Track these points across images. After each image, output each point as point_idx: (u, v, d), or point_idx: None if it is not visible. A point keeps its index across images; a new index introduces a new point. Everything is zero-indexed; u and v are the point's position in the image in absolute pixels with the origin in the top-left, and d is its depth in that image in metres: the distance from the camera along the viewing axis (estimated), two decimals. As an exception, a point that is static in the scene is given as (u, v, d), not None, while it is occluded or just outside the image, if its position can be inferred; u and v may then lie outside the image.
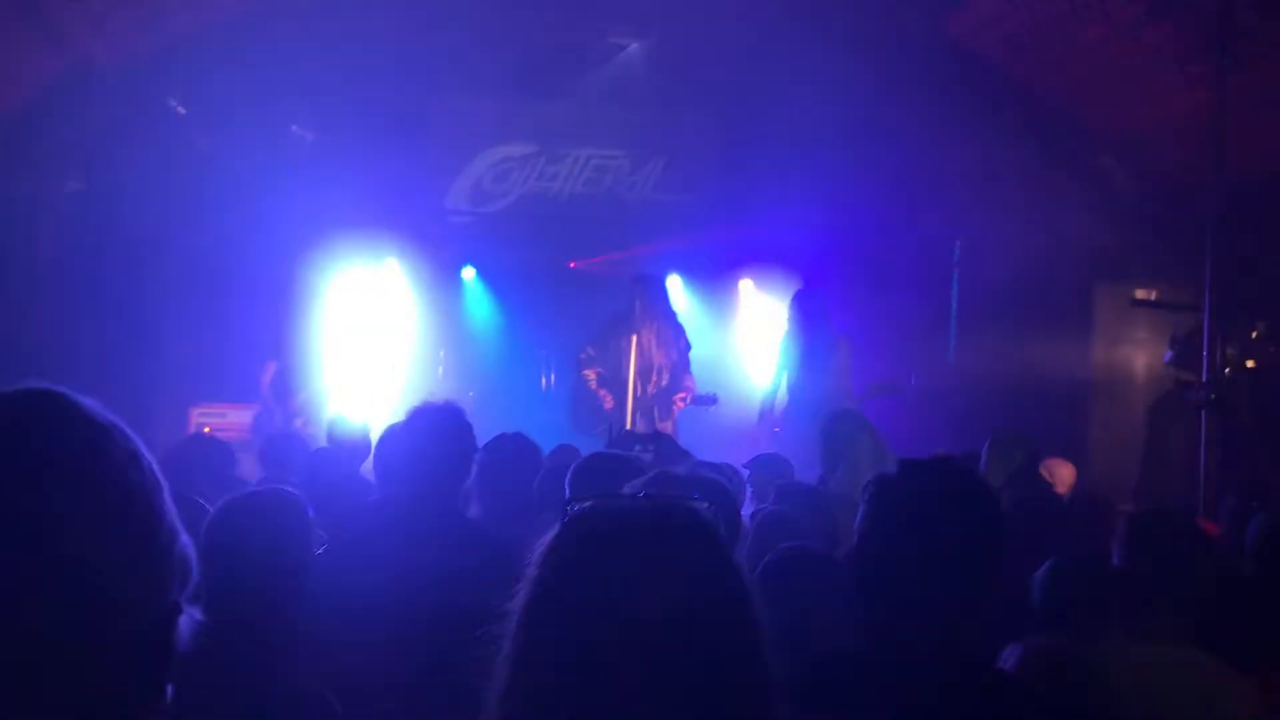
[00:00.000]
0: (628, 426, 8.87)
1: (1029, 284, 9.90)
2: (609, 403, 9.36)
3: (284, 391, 9.85)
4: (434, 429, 3.67)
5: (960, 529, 2.16)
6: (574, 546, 1.41)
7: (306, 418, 9.70)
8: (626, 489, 2.65)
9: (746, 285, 11.42)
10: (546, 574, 1.40)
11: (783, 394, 9.10)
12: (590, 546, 1.40)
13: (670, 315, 9.65)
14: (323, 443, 7.03)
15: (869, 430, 5.60)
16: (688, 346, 9.63)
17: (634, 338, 9.35)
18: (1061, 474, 6.57)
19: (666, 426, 9.33)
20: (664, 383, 9.47)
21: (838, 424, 5.65)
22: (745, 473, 6.02)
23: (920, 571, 2.14)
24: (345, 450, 6.43)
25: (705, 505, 1.45)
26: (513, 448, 4.36)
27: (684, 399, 9.39)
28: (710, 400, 9.45)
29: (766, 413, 9.17)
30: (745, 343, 11.24)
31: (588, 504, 1.45)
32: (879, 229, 10.56)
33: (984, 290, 10.41)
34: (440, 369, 11.04)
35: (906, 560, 2.15)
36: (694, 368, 9.64)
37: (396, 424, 4.09)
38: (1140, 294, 9.40)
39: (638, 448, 5.98)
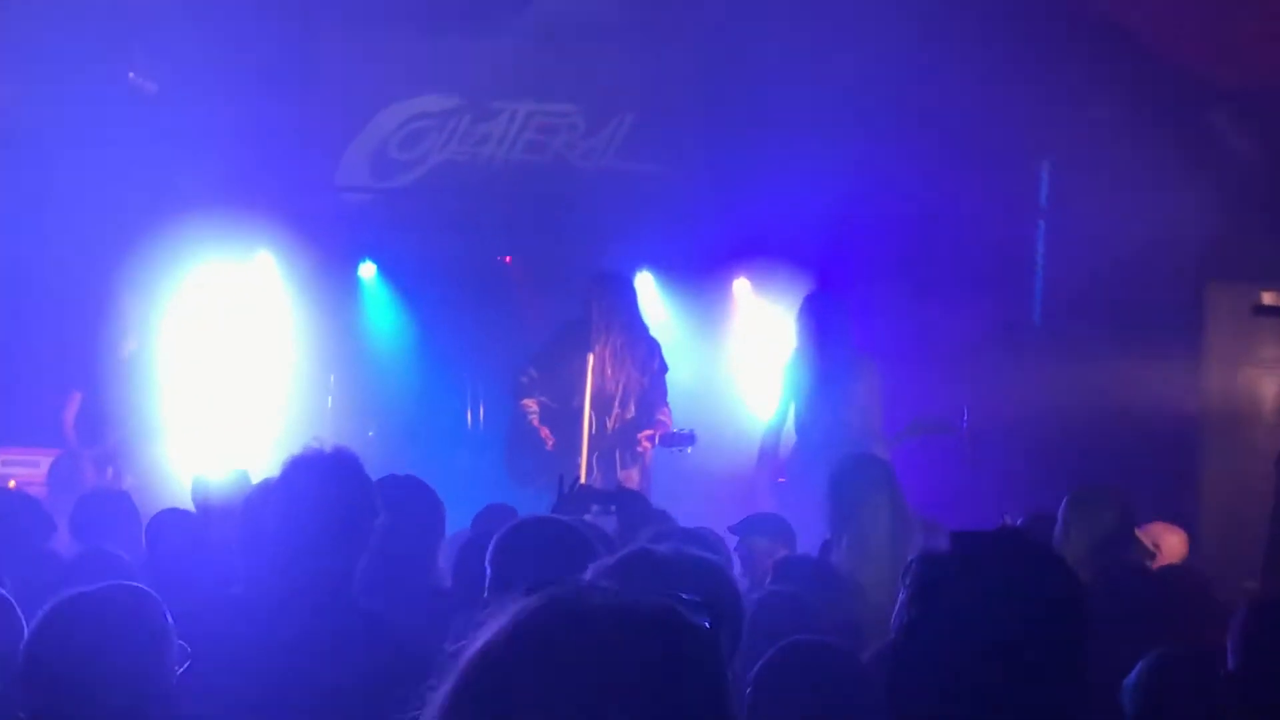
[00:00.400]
0: (581, 478, 8.88)
1: (1119, 287, 9.97)
2: (550, 443, 9.38)
3: (90, 431, 9.83)
4: (319, 488, 3.67)
5: (1032, 626, 2.19)
6: (512, 660, 1.39)
7: (118, 467, 9.69)
8: (591, 569, 2.67)
9: (742, 286, 11.47)
10: (465, 697, 1.39)
11: (789, 432, 9.14)
12: (537, 660, 1.38)
13: (639, 326, 9.69)
14: (150, 502, 7.04)
15: (890, 489, 5.65)
16: (663, 369, 9.67)
17: (590, 356, 9.38)
18: (1169, 543, 6.62)
19: (632, 477, 9.33)
20: (629, 416, 9.50)
21: (850, 475, 5.71)
22: (732, 540, 6.06)
23: (979, 681, 2.16)
24: (214, 519, 6.42)
25: (699, 605, 1.45)
26: (402, 496, 4.34)
27: (651, 438, 9.42)
28: (686, 440, 9.46)
29: (768, 457, 9.21)
30: (739, 364, 11.28)
31: (534, 597, 1.45)
32: (922, 215, 10.61)
33: (1060, 297, 10.48)
34: (329, 400, 11.04)
35: (961, 667, 2.17)
36: (671, 397, 9.66)
37: (267, 482, 4.09)
38: (1268, 299, 9.48)
39: (595, 509, 6.00)
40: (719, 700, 1.41)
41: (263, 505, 4.02)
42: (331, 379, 11.11)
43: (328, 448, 3.87)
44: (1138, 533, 5.78)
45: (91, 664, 2.76)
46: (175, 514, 6.38)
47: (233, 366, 10.94)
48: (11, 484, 9.81)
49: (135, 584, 3.09)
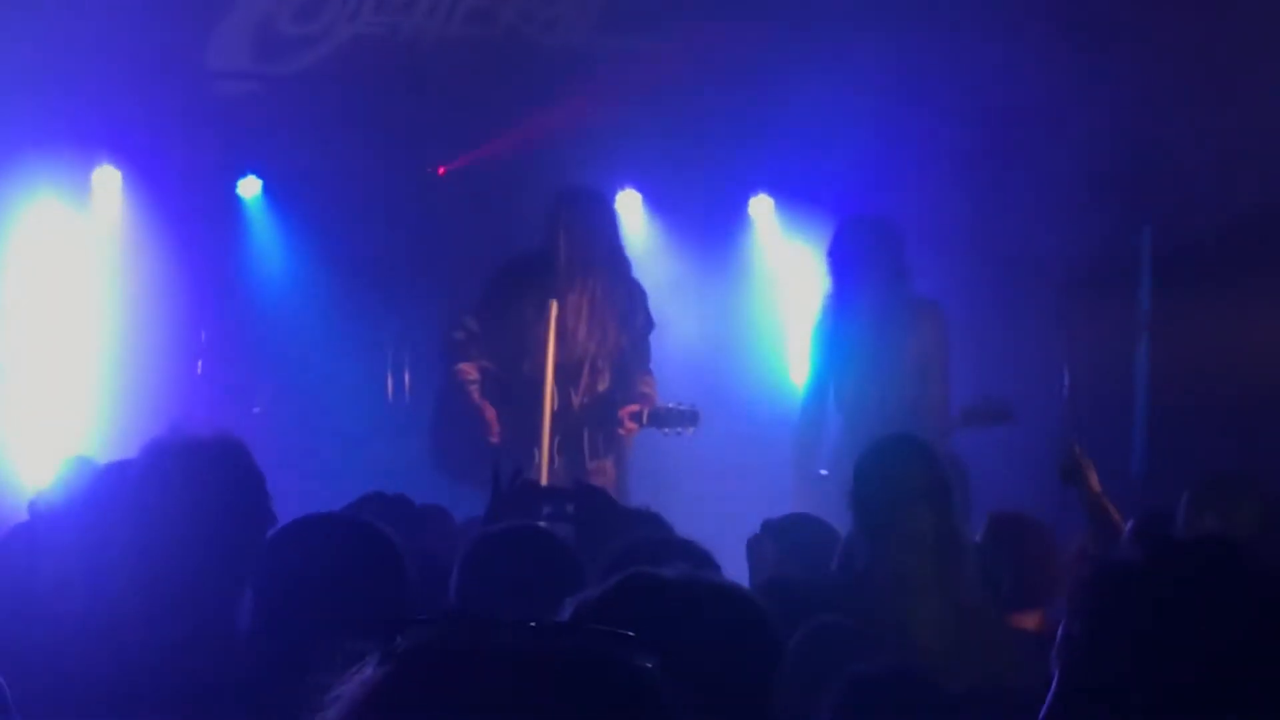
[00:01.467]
0: (541, 471, 8.98)
1: (1250, 225, 10.05)
2: (494, 429, 9.49)
3: None
4: (193, 488, 3.80)
5: (1249, 651, 2.36)
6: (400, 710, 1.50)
7: None
8: (568, 604, 2.76)
9: (761, 208, 11.57)
10: None
11: (830, 407, 9.26)
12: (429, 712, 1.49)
13: (619, 265, 9.80)
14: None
15: (928, 480, 5.59)
16: (647, 325, 9.80)
17: (553, 305, 9.43)
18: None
19: (605, 469, 9.46)
20: (601, 388, 9.63)
21: (875, 464, 5.71)
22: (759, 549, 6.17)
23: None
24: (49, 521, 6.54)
25: (636, 644, 1.55)
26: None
27: (637, 416, 9.50)
28: (686, 419, 9.52)
29: (804, 441, 9.33)
30: (758, 315, 11.42)
31: (423, 636, 1.54)
32: (1004, 112, 10.66)
33: (1179, 239, 10.53)
34: (199, 364, 11.11)
35: (1155, 705, 2.35)
36: (667, 361, 9.76)
37: (120, 466, 4.21)
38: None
39: (547, 511, 6.10)
40: None
41: (110, 507, 4.13)
42: (203, 335, 11.15)
43: (204, 431, 3.99)
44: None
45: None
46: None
47: (67, 324, 11.03)
48: None
49: None
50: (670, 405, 9.58)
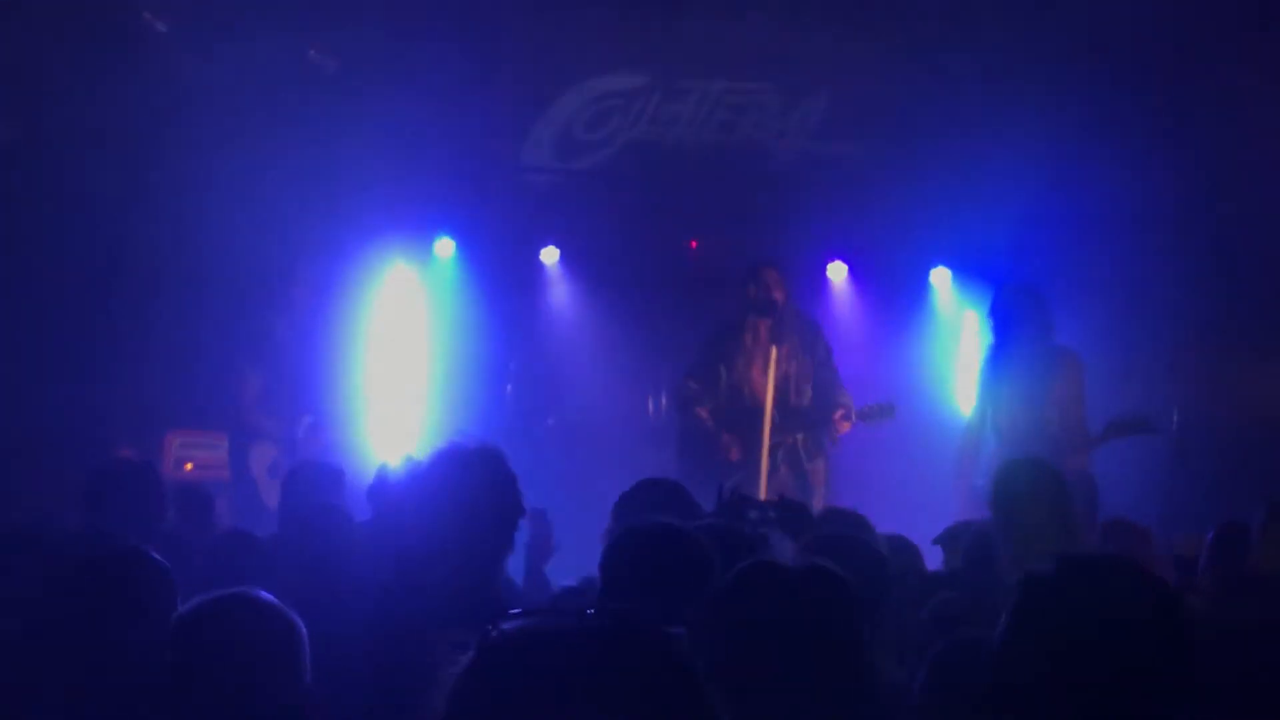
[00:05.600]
0: (762, 479, 8.93)
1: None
2: (734, 451, 9.42)
3: (273, 414, 9.98)
4: (457, 483, 3.79)
5: (1132, 653, 2.23)
6: (481, 692, 1.50)
7: (310, 450, 9.82)
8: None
9: (940, 278, 11.42)
10: None
11: (988, 436, 9.10)
12: (506, 693, 1.48)
13: (802, 313, 9.79)
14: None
15: (1051, 495, 5.47)
16: (829, 350, 9.72)
17: (773, 350, 9.40)
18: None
19: (818, 469, 9.36)
20: (805, 403, 9.54)
21: (1007, 481, 5.57)
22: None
23: (1073, 707, 2.21)
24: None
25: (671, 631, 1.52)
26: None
27: (845, 415, 9.39)
28: (885, 412, 9.43)
29: (966, 460, 9.17)
30: (938, 361, 11.24)
31: (501, 629, 1.54)
32: (1131, 214, 10.38)
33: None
34: (509, 386, 11.24)
35: (1054, 695, 2.22)
36: (857, 398, 9.69)
37: (411, 469, 4.21)
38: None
39: (754, 516, 6.02)
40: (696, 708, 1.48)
41: (406, 492, 4.13)
42: (511, 365, 11.29)
43: (472, 440, 3.99)
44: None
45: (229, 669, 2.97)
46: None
47: (414, 357, 11.25)
48: (188, 466, 10.24)
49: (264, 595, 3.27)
50: (870, 404, 9.50)
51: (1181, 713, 2.24)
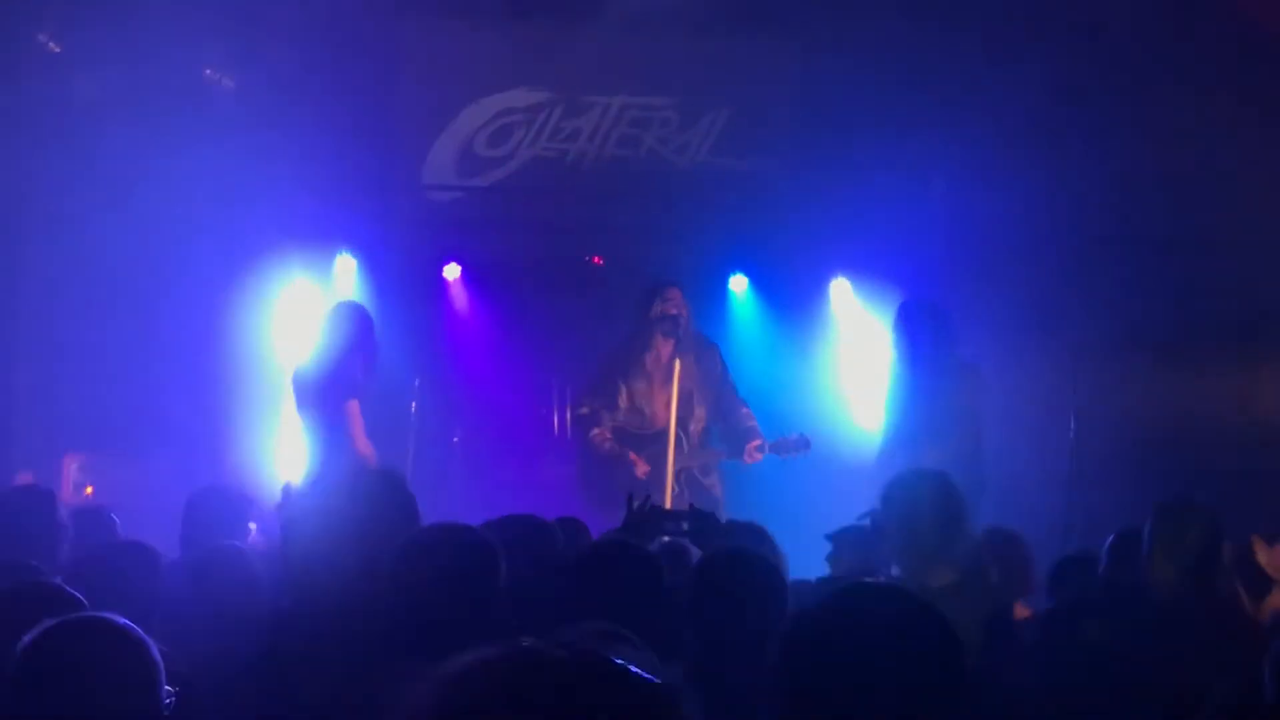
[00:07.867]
0: (667, 497, 8.94)
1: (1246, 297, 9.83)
2: (642, 468, 9.45)
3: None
4: (356, 499, 3.81)
5: (904, 681, 2.25)
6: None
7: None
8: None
9: (840, 289, 11.48)
10: None
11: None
12: None
13: (701, 335, 9.88)
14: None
15: (939, 506, 5.47)
16: (726, 368, 9.78)
17: (676, 365, 9.43)
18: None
19: (713, 485, 9.45)
20: (703, 425, 9.64)
21: (897, 493, 5.60)
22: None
23: None
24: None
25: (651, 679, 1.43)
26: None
27: (760, 448, 9.42)
28: (802, 445, 9.48)
29: (881, 465, 9.23)
30: (839, 373, 11.31)
31: (467, 661, 1.43)
32: (1039, 216, 10.48)
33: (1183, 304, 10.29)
34: (413, 404, 11.17)
35: None
36: (758, 406, 9.74)
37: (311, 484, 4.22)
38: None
39: (668, 527, 6.04)
40: None
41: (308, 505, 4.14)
42: (416, 382, 11.21)
43: (374, 465, 4.01)
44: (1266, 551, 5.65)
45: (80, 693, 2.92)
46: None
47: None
48: (88, 490, 10.13)
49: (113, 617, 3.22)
50: (786, 436, 9.53)
51: None
